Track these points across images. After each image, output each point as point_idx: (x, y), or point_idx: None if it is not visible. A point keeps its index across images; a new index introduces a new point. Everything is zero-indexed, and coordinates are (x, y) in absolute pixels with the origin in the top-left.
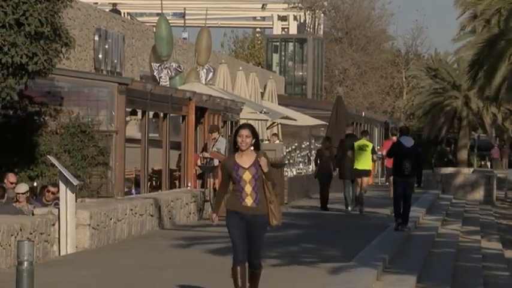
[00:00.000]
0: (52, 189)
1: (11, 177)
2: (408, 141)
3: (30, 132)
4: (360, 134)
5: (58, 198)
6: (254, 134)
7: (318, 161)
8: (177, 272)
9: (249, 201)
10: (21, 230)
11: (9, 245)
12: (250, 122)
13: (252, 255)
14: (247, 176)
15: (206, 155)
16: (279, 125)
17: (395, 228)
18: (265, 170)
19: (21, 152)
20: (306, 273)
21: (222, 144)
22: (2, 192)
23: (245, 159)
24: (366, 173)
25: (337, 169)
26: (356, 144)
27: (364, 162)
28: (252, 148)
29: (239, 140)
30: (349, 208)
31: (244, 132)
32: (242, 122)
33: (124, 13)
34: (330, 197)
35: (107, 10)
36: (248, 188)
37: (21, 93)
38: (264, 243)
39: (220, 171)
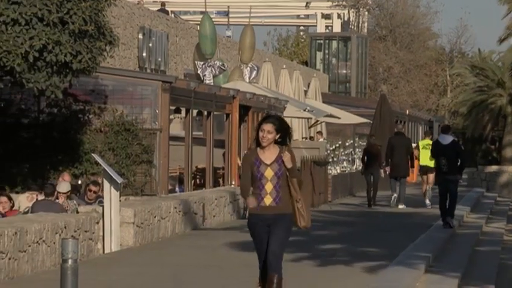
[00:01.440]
0: (93, 188)
1: (66, 176)
2: (446, 139)
3: (75, 131)
4: (423, 134)
5: (100, 197)
6: (281, 129)
7: (365, 159)
8: (221, 272)
9: (268, 200)
10: (65, 227)
11: (54, 243)
12: (294, 120)
13: (271, 258)
14: (269, 173)
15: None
16: (323, 123)
17: (444, 225)
18: (289, 166)
19: (65, 150)
20: (349, 271)
21: None
22: (52, 190)
23: (267, 155)
24: (432, 169)
25: (386, 167)
26: (421, 143)
27: (428, 161)
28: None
29: (260, 134)
30: (401, 206)
31: (267, 127)
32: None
33: (168, 12)
34: (376, 195)
35: (154, 9)
36: (269, 187)
37: (66, 91)
38: (287, 246)
39: (242, 166)
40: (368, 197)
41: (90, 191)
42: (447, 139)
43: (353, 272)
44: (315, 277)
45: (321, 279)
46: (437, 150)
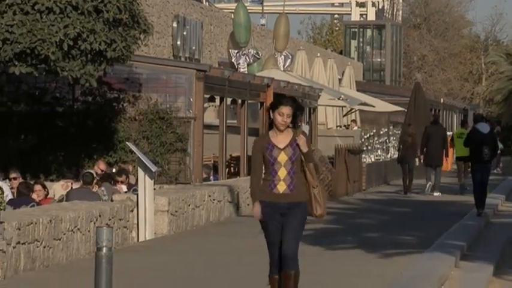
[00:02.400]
0: (119, 178)
1: (102, 165)
2: (485, 128)
3: (109, 119)
4: (458, 123)
5: (132, 185)
6: (296, 110)
7: (401, 147)
8: (255, 259)
9: (281, 187)
10: (100, 216)
11: (89, 231)
12: (328, 108)
13: (287, 253)
14: (282, 157)
15: None
16: (357, 112)
17: (477, 214)
18: (304, 150)
19: (100, 139)
20: (383, 259)
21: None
22: (91, 179)
23: (281, 139)
24: (466, 159)
25: (421, 155)
26: (456, 133)
27: (463, 149)
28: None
29: (279, 118)
30: (436, 194)
31: (287, 110)
32: (320, 108)
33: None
34: (412, 183)
35: None
36: (282, 172)
37: (100, 79)
38: (303, 237)
39: (253, 153)
40: (404, 184)
41: (117, 181)
42: (486, 128)
43: (387, 260)
44: (349, 265)
45: (355, 267)
46: (477, 139)
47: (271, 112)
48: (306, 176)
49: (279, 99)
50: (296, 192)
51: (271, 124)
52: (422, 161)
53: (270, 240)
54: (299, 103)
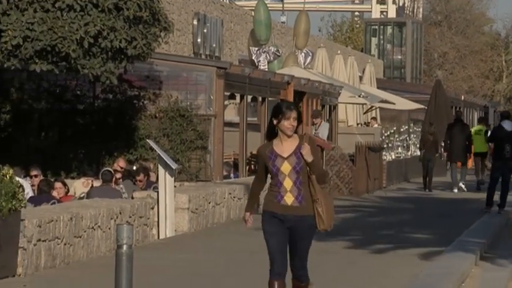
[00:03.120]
0: (138, 177)
1: (121, 162)
2: (509, 125)
3: (130, 116)
4: (477, 121)
5: (152, 183)
6: (299, 114)
7: (422, 146)
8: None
9: (289, 199)
10: (120, 213)
11: (109, 229)
12: (348, 105)
13: (296, 266)
14: (285, 167)
15: None
16: (378, 109)
17: (484, 210)
18: (309, 159)
19: (120, 136)
20: (403, 257)
21: (325, 130)
22: (110, 177)
23: (285, 147)
24: (483, 154)
25: (445, 153)
26: (473, 129)
27: (480, 146)
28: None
29: (286, 124)
30: (456, 190)
31: (293, 114)
32: (340, 106)
33: None
34: (432, 181)
35: None
36: (288, 183)
37: (121, 77)
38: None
39: (257, 162)
40: (424, 181)
41: (137, 181)
42: (510, 125)
43: (408, 258)
44: (369, 263)
45: (375, 265)
46: (500, 136)
47: (274, 121)
48: (309, 188)
49: (282, 106)
50: (306, 205)
51: (271, 133)
52: (446, 158)
53: (270, 250)
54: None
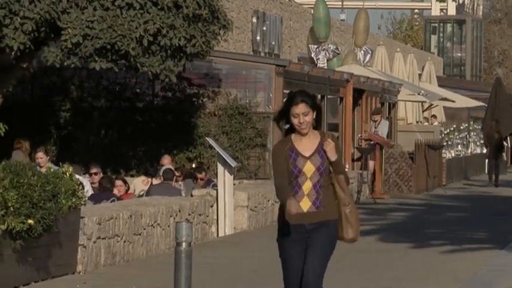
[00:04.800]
0: (199, 175)
1: (166, 160)
2: None
3: (189, 114)
4: None
5: (211, 181)
6: (315, 105)
7: (487, 144)
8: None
9: (305, 205)
10: (180, 211)
11: (168, 226)
12: (408, 103)
13: (310, 280)
14: (308, 168)
15: (365, 135)
16: (439, 107)
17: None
18: (333, 158)
19: (179, 134)
20: (459, 256)
21: (385, 127)
22: (171, 175)
23: (306, 144)
24: None
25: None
26: None
27: None
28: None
29: (295, 121)
30: None
31: (300, 108)
32: (400, 104)
33: None
34: (498, 178)
35: None
36: (307, 186)
37: (180, 75)
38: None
39: (274, 161)
40: (489, 176)
41: (196, 178)
42: None
43: (467, 255)
44: (427, 259)
45: (434, 261)
46: None
47: (287, 116)
48: (336, 190)
49: (290, 98)
50: (324, 210)
51: (289, 129)
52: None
53: (289, 274)
54: (314, 96)
